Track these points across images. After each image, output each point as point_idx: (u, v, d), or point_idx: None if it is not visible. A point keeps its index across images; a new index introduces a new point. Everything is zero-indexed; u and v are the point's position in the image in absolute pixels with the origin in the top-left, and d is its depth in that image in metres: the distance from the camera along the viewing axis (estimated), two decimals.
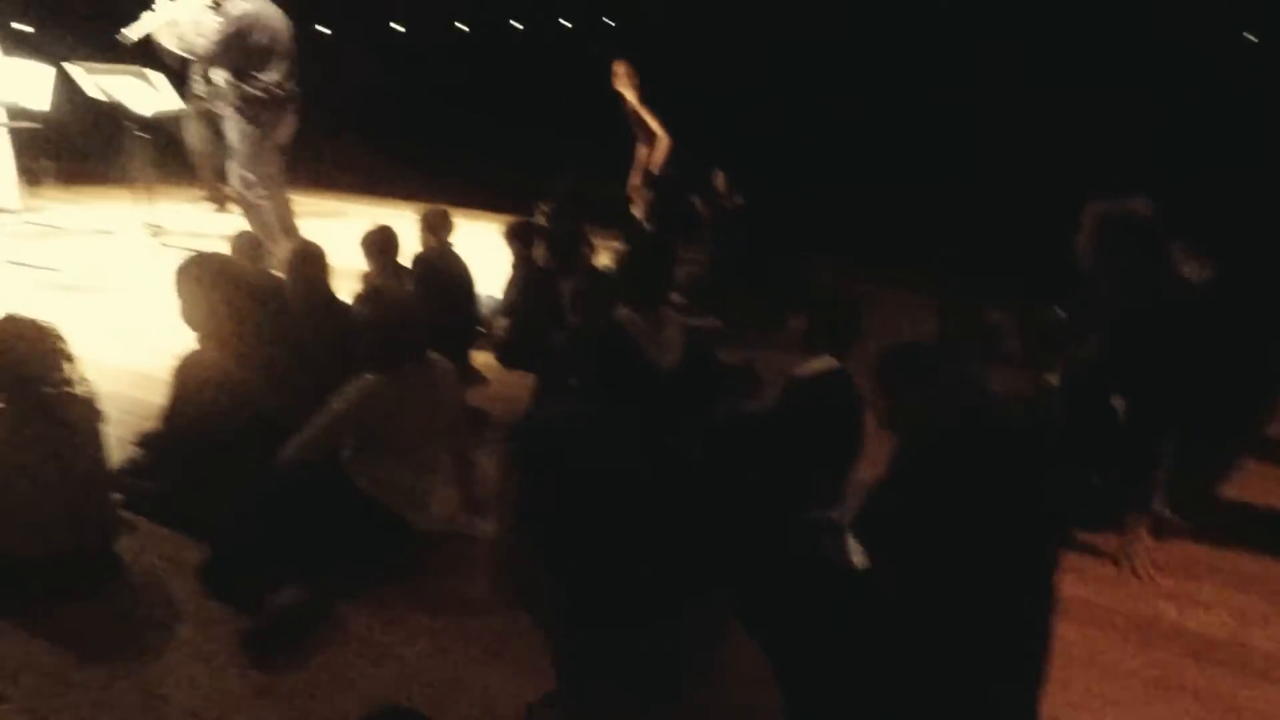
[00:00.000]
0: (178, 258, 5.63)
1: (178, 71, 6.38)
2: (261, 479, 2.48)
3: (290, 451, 2.53)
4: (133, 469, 2.85)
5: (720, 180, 6.60)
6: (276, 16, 5.21)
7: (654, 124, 6.76)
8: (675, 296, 5.29)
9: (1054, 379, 2.90)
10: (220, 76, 5.58)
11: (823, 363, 3.00)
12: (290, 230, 5.69)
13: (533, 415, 1.22)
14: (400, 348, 2.63)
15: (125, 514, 2.66)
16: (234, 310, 2.69)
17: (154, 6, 5.61)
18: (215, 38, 5.14)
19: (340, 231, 6.52)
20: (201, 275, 2.70)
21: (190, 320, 2.76)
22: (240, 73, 5.19)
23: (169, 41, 5.76)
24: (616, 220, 6.98)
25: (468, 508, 2.91)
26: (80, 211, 7.08)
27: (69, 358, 2.34)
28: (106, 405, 2.53)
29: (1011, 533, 1.65)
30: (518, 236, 4.66)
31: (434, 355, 2.75)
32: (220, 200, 7.12)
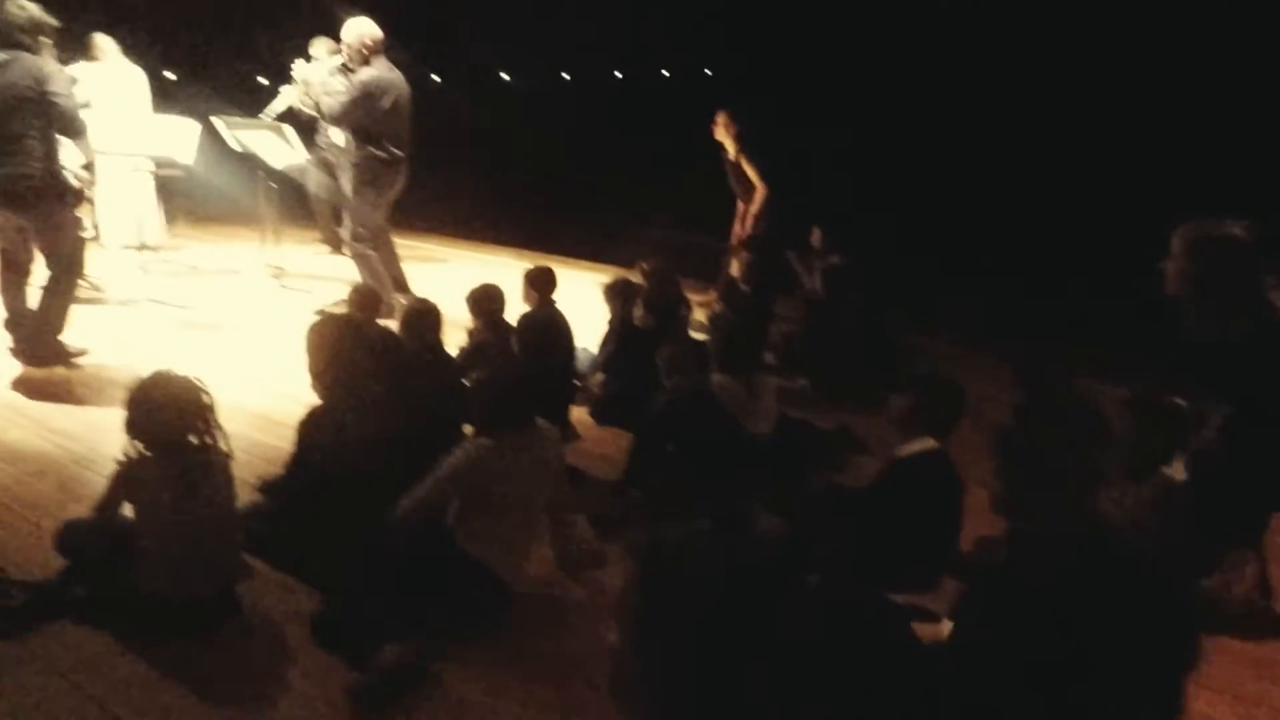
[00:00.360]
0: (297, 299, 5.89)
1: (306, 125, 6.86)
2: (375, 535, 2.61)
3: (402, 510, 2.64)
4: (254, 513, 3.02)
5: (816, 237, 6.59)
6: (400, 83, 5.55)
7: (753, 174, 6.80)
8: (768, 357, 5.29)
9: (1176, 473, 2.78)
10: (342, 135, 5.96)
11: (923, 444, 2.97)
12: (400, 280, 5.98)
13: (658, 534, 1.27)
14: (509, 412, 2.74)
15: (246, 557, 2.82)
16: (358, 368, 2.88)
17: (292, 79, 6.06)
18: (343, 99, 5.51)
19: (441, 278, 6.80)
20: (330, 335, 2.90)
21: (317, 374, 2.96)
22: (361, 133, 5.53)
23: (301, 100, 6.20)
24: (714, 273, 7.03)
25: (564, 569, 2.98)
26: (209, 251, 7.63)
27: (213, 410, 2.53)
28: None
29: (1128, 653, 1.60)
30: (617, 295, 4.74)
31: (540, 420, 2.84)
32: (336, 245, 7.54)
